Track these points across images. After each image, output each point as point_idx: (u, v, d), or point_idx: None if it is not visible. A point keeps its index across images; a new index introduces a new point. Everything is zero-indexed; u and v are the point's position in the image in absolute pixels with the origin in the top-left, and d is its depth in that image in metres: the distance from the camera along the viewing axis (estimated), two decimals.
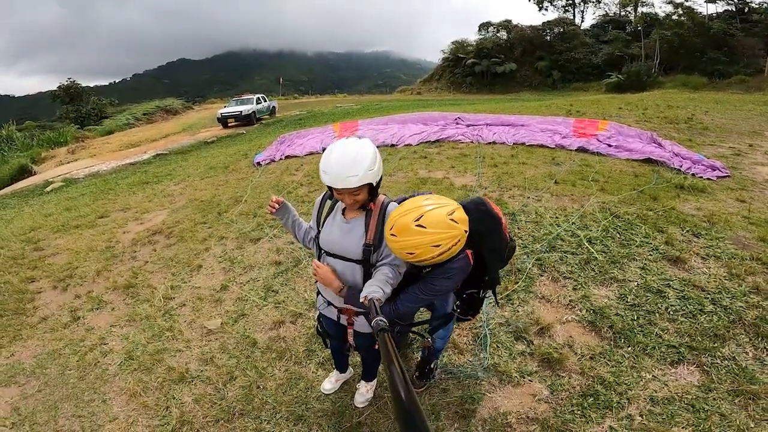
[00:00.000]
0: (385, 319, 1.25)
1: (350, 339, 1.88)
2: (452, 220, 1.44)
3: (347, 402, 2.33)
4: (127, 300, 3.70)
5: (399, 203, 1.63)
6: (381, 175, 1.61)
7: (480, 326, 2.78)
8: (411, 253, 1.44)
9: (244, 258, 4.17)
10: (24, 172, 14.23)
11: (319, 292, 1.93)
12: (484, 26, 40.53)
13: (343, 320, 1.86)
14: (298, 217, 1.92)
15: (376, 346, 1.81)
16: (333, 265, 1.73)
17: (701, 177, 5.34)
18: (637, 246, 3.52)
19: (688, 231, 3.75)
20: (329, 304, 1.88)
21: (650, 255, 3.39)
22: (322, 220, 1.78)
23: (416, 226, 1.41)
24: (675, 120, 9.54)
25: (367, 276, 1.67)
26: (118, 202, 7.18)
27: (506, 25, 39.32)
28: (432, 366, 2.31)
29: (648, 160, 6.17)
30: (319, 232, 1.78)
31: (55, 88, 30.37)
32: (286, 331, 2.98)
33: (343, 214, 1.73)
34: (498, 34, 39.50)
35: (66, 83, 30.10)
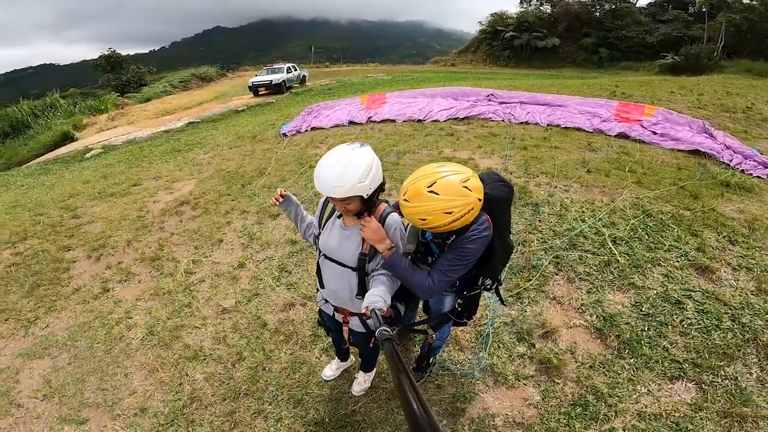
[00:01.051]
0: (388, 329, 1.24)
1: (346, 336, 1.91)
2: (465, 187, 1.40)
3: (345, 389, 2.40)
4: (153, 273, 3.89)
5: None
6: (378, 186, 1.54)
7: (485, 324, 2.74)
8: (423, 219, 1.43)
9: (263, 234, 4.25)
10: (66, 139, 14.96)
11: (318, 288, 1.94)
12: None
13: (339, 318, 1.89)
14: (303, 211, 1.93)
15: (371, 344, 1.84)
16: (330, 270, 1.74)
17: (751, 174, 4.89)
18: (665, 250, 3.31)
19: (724, 237, 3.47)
20: (327, 301, 1.90)
21: (677, 261, 3.18)
22: (323, 222, 1.77)
23: (429, 192, 1.40)
24: (732, 108, 8.68)
25: (362, 283, 1.67)
26: (151, 170, 7.46)
27: None
28: (430, 361, 2.33)
29: (695, 152, 5.69)
30: (320, 232, 1.78)
31: (97, 56, 31.44)
32: (296, 314, 3.05)
33: (341, 218, 1.71)
34: (541, 8, 37.08)
35: (107, 53, 31.05)
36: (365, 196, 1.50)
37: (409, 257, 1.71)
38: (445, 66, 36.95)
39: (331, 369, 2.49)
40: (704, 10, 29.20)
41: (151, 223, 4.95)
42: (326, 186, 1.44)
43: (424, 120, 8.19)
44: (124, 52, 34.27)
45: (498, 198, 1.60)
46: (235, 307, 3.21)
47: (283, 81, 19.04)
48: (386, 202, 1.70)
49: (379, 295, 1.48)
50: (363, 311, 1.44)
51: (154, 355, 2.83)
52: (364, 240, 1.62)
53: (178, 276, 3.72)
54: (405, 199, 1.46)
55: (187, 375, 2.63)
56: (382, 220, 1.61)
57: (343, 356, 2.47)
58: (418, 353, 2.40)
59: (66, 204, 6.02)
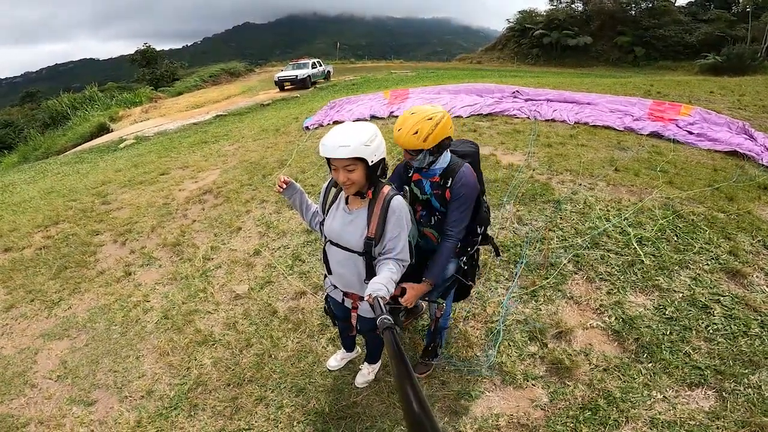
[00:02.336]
0: (390, 318, 1.24)
1: (354, 322, 1.90)
2: (435, 109, 1.78)
3: (348, 380, 2.38)
4: (173, 258, 4.00)
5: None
6: (381, 158, 1.56)
7: (496, 321, 2.67)
8: (415, 133, 1.71)
9: (280, 223, 4.31)
10: (102, 130, 15.69)
11: (326, 275, 1.93)
12: None
13: (348, 303, 1.88)
14: (308, 199, 1.92)
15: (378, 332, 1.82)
16: (336, 255, 1.73)
17: None
18: (694, 252, 3.13)
19: (759, 241, 3.27)
20: (335, 287, 1.89)
21: (707, 265, 3.01)
22: (327, 208, 1.77)
23: (412, 114, 1.76)
24: None
25: (369, 267, 1.67)
26: (179, 160, 7.70)
27: None
28: (436, 344, 2.33)
29: (733, 153, 5.37)
30: (324, 219, 1.77)
31: (133, 51, 32.63)
32: (306, 302, 3.07)
33: (346, 203, 1.70)
34: (573, 6, 35.88)
35: (142, 48, 32.19)
36: (370, 163, 1.51)
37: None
38: (471, 63, 36.29)
39: (336, 359, 2.48)
40: (748, 9, 27.82)
41: (176, 210, 5.11)
42: (332, 146, 1.47)
43: None
44: (158, 48, 35.44)
45: (465, 152, 1.97)
46: (248, 294, 3.26)
47: (308, 76, 19.22)
48: (390, 184, 1.69)
49: (382, 283, 1.48)
50: (365, 298, 1.44)
51: (166, 339, 2.91)
52: (369, 223, 1.61)
53: (196, 261, 3.82)
54: (398, 129, 1.75)
55: (195, 359, 2.68)
56: (386, 203, 1.61)
57: (348, 347, 2.46)
58: (424, 345, 2.39)
59: (98, 191, 6.30)
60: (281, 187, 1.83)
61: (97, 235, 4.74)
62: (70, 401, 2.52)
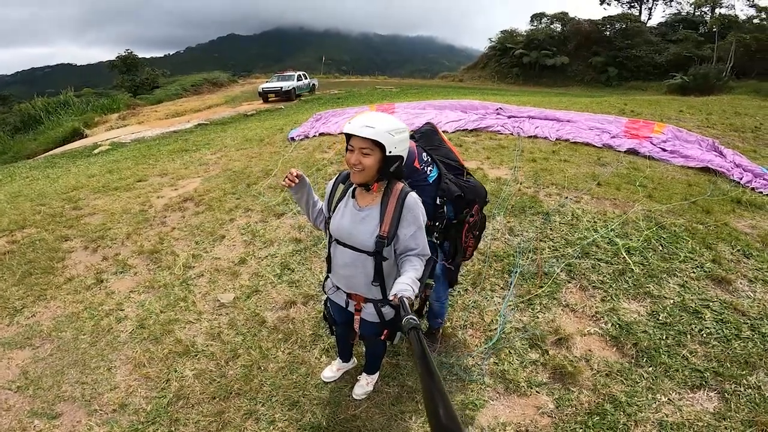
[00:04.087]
0: (415, 318, 1.19)
1: (356, 326, 1.81)
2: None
3: (346, 392, 2.27)
4: (150, 266, 3.80)
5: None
6: (399, 155, 1.51)
7: (494, 329, 2.64)
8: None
9: (266, 232, 4.18)
10: (76, 135, 15.18)
11: (327, 276, 1.85)
12: (537, 17, 38.68)
13: (351, 306, 1.79)
14: (315, 196, 1.81)
15: (383, 337, 1.74)
16: (343, 256, 1.65)
17: (761, 192, 4.83)
18: (680, 261, 3.23)
19: (738, 250, 3.41)
20: (338, 288, 1.80)
21: (693, 272, 3.11)
22: (333, 206, 1.69)
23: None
24: (741, 128, 8.67)
25: (378, 267, 1.59)
26: (157, 167, 7.44)
27: (562, 17, 37.26)
28: (434, 331, 2.43)
29: (705, 169, 5.62)
30: (330, 217, 1.69)
31: (114, 58, 31.88)
32: (297, 312, 2.95)
33: (355, 198, 1.63)
34: (552, 26, 37.54)
35: (124, 54, 31.52)
36: (387, 153, 1.47)
37: None
38: (453, 81, 37.24)
39: (332, 370, 2.35)
40: (715, 30, 29.22)
41: (153, 218, 4.89)
42: (358, 124, 1.44)
43: None
44: (140, 55, 34.76)
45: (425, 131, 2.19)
46: (233, 303, 3.10)
47: (293, 88, 19.25)
48: (403, 182, 1.64)
49: (408, 284, 1.42)
50: (391, 299, 1.38)
51: (142, 350, 2.71)
52: (382, 221, 1.54)
53: (175, 270, 3.63)
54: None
55: (175, 371, 2.51)
56: (401, 199, 1.55)
57: (345, 356, 2.34)
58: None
59: (69, 196, 5.98)
60: (293, 182, 1.69)
61: (67, 240, 4.47)
62: (32, 414, 2.31)
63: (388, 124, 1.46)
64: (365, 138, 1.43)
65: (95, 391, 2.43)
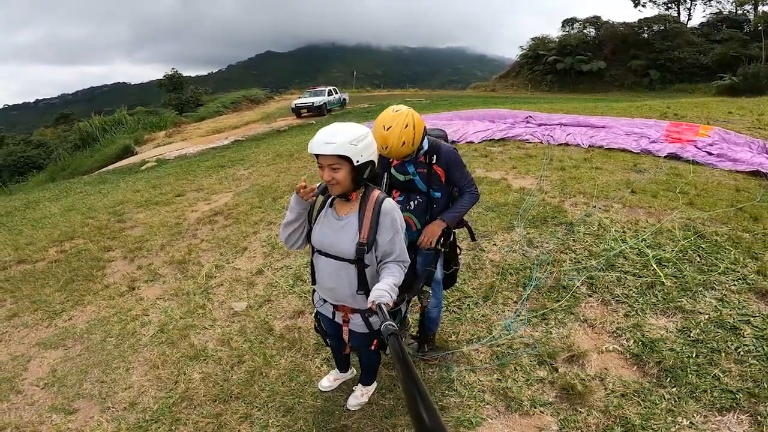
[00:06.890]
0: (394, 324, 1.20)
1: (345, 338, 1.80)
2: (396, 111, 1.87)
3: (340, 403, 2.27)
4: (177, 275, 4.01)
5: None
6: (368, 160, 1.51)
7: (502, 344, 2.53)
8: (403, 144, 1.82)
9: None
10: (127, 152, 16.37)
11: (314, 290, 1.86)
12: (568, 22, 37.70)
13: (339, 318, 1.79)
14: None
15: (373, 347, 1.72)
16: (326, 266, 1.66)
17: None
18: (719, 273, 2.95)
19: None
20: (325, 301, 1.81)
21: (734, 285, 2.83)
22: (313, 217, 1.71)
23: (385, 129, 1.82)
24: None
25: (361, 276, 1.59)
26: (195, 182, 7.88)
27: (595, 21, 36.14)
28: (427, 335, 2.41)
29: (756, 173, 5.16)
30: (310, 229, 1.71)
31: (161, 76, 34.34)
32: (304, 321, 3.00)
33: (333, 207, 1.65)
34: (585, 31, 36.45)
35: (170, 73, 33.87)
36: (355, 163, 1.46)
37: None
38: (485, 91, 36.82)
39: (329, 380, 2.36)
40: (760, 28, 27.56)
41: (186, 230, 5.17)
42: (318, 142, 1.45)
43: (458, 142, 8.05)
44: (186, 74, 37.17)
45: (438, 135, 2.22)
46: (246, 311, 3.21)
47: (324, 103, 19.77)
48: (379, 188, 1.65)
49: (385, 290, 1.43)
50: (369, 306, 1.39)
51: (158, 352, 2.87)
52: (360, 228, 1.55)
53: (199, 279, 3.82)
54: (385, 147, 1.81)
55: (185, 374, 2.63)
56: (377, 206, 1.55)
57: (342, 366, 2.33)
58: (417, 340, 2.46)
59: (115, 210, 6.46)
60: (309, 195, 1.60)
61: (109, 251, 4.81)
62: (51, 409, 2.49)
63: (348, 134, 1.46)
64: (329, 155, 1.45)
65: (111, 390, 2.59)
